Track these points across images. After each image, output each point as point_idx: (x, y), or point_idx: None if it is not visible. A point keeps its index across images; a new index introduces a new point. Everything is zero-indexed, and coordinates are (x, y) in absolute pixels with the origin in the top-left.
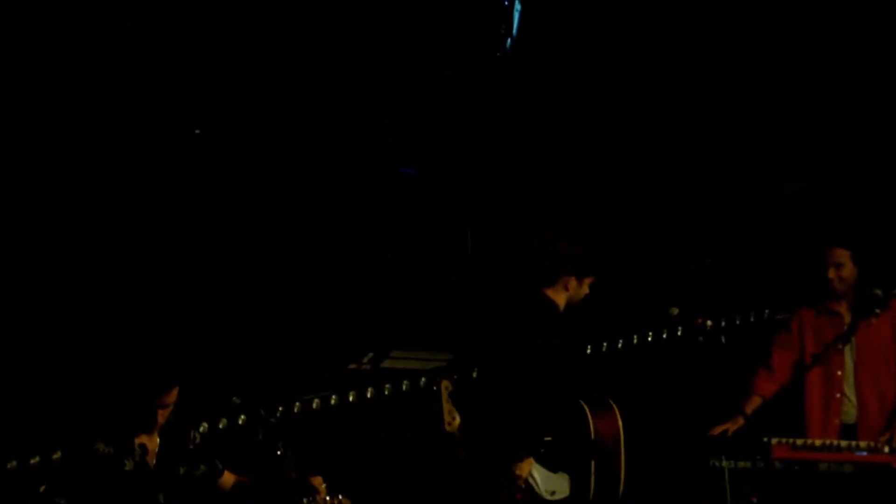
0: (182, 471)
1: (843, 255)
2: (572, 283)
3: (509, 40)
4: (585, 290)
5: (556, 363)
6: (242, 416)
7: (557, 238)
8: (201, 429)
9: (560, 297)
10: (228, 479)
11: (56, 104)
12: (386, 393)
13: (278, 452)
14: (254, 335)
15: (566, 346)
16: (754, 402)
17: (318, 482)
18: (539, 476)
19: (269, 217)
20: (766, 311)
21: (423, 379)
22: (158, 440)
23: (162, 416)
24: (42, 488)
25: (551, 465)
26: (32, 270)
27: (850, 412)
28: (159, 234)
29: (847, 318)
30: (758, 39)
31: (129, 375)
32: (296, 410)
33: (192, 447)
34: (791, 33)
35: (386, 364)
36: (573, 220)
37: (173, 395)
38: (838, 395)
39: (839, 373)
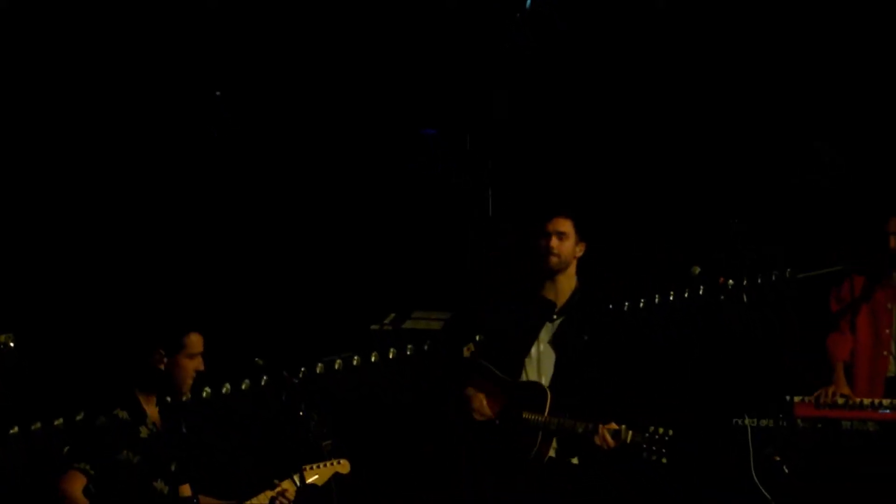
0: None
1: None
2: None
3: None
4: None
5: None
6: (265, 377)
7: None
8: (224, 390)
9: None
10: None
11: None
12: (408, 353)
13: (300, 413)
14: (276, 296)
15: None
16: (839, 369)
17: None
18: None
19: (294, 182)
20: (788, 270)
21: None
22: (158, 413)
23: (190, 366)
24: (66, 450)
25: None
26: (52, 233)
27: (893, 369)
28: (185, 197)
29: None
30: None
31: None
32: (318, 371)
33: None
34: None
35: (408, 325)
36: (598, 183)
37: (198, 344)
38: (885, 354)
39: (887, 331)
